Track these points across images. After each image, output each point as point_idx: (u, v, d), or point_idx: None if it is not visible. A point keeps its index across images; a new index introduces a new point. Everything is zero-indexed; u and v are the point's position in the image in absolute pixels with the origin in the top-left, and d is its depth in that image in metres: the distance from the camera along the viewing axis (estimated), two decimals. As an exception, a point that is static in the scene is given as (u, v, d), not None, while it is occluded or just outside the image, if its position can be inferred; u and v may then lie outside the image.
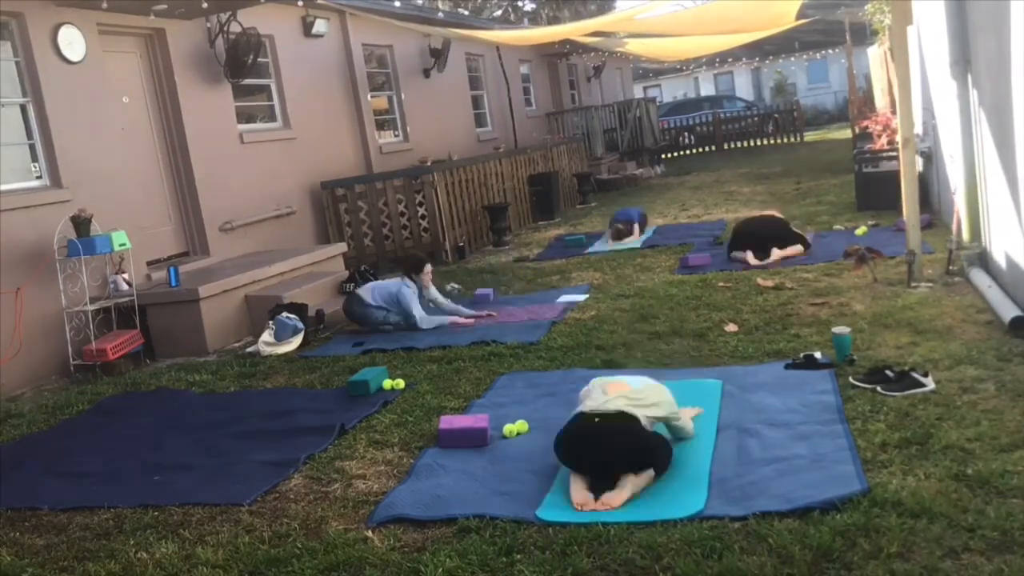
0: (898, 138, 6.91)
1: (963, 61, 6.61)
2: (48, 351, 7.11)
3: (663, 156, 23.31)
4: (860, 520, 3.11)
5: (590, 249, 10.35)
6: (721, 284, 7.41)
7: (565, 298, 7.61)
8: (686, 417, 4.15)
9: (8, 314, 6.84)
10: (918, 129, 9.54)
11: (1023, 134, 4.94)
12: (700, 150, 26.01)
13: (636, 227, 10.64)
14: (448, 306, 7.53)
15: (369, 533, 3.56)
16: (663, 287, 7.54)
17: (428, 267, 7.58)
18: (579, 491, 3.67)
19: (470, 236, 11.55)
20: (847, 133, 22.84)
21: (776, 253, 8.15)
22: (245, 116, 10.17)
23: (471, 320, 7.28)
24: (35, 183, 7.44)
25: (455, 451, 4.32)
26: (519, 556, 3.21)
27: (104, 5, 7.68)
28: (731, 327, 6.02)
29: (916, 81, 9.07)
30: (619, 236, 10.50)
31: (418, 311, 7.24)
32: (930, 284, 6.44)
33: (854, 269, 7.03)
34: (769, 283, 7.18)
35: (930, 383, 4.34)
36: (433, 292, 7.58)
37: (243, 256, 9.32)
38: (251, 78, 9.88)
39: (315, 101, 11.26)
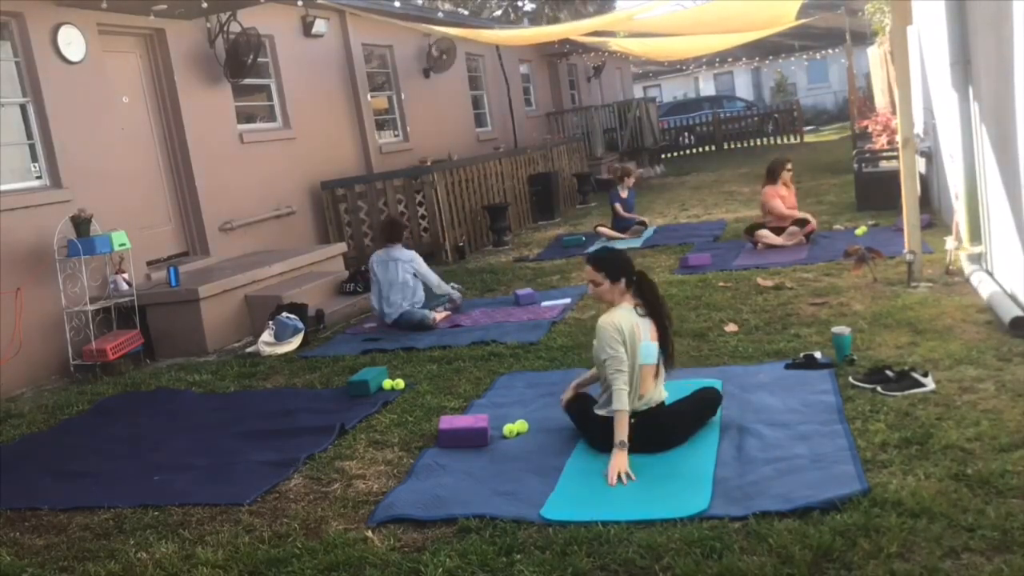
0: (898, 138, 6.91)
1: (963, 61, 6.61)
2: (48, 351, 7.11)
3: (663, 156, 23.31)
4: (860, 520, 3.11)
5: (590, 249, 10.34)
6: (721, 284, 7.41)
7: (548, 303, 7.55)
8: None
9: (8, 314, 6.84)
10: (918, 129, 9.54)
11: None
12: (700, 150, 26.03)
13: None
14: (441, 287, 7.70)
15: (369, 533, 3.56)
16: (663, 287, 7.50)
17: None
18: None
19: (470, 236, 11.56)
20: (839, 135, 22.93)
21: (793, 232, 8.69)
22: (245, 116, 10.18)
23: (444, 316, 7.42)
24: (35, 183, 7.44)
25: (455, 451, 4.32)
26: (519, 556, 3.21)
27: (104, 5, 7.68)
28: (731, 327, 6.02)
29: (916, 81, 9.07)
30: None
31: (439, 283, 7.48)
32: (930, 284, 6.44)
33: (854, 269, 7.03)
34: (769, 283, 7.18)
35: (930, 383, 4.34)
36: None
37: (243, 256, 9.32)
38: (251, 78, 9.88)
39: (315, 101, 11.26)
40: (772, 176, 9.14)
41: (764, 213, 9.18)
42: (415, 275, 7.42)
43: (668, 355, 4.15)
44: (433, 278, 7.55)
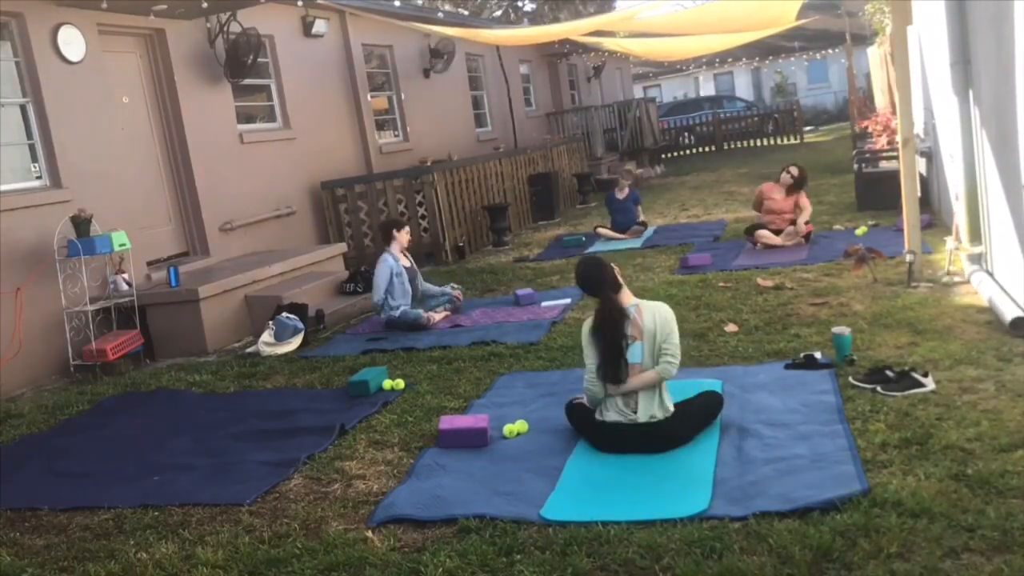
0: (898, 138, 6.91)
1: (963, 62, 6.61)
2: (48, 351, 7.11)
3: (663, 156, 23.31)
4: (860, 520, 3.11)
5: (590, 249, 10.36)
6: (721, 284, 7.41)
7: (548, 303, 7.55)
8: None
9: (8, 314, 6.84)
10: (918, 129, 9.54)
11: None
12: (700, 150, 26.01)
13: (639, 209, 11.18)
14: (433, 290, 7.71)
15: (369, 533, 3.56)
16: (663, 287, 7.54)
17: (404, 230, 7.71)
18: None
19: (470, 236, 11.55)
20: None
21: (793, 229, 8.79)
22: (245, 116, 10.17)
23: (438, 318, 7.36)
24: (35, 183, 7.44)
25: (455, 451, 4.32)
26: (519, 556, 3.21)
27: (104, 5, 7.68)
28: (731, 327, 6.02)
29: (916, 81, 9.07)
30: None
31: (379, 293, 7.32)
32: (930, 284, 6.45)
33: (854, 269, 7.03)
34: (769, 283, 7.18)
35: (930, 383, 4.34)
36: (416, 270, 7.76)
37: (243, 256, 9.32)
38: (251, 78, 9.88)
39: (315, 101, 11.26)
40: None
41: (756, 210, 9.23)
42: (396, 278, 7.42)
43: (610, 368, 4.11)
44: (377, 287, 7.39)
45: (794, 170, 8.99)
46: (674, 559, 3.04)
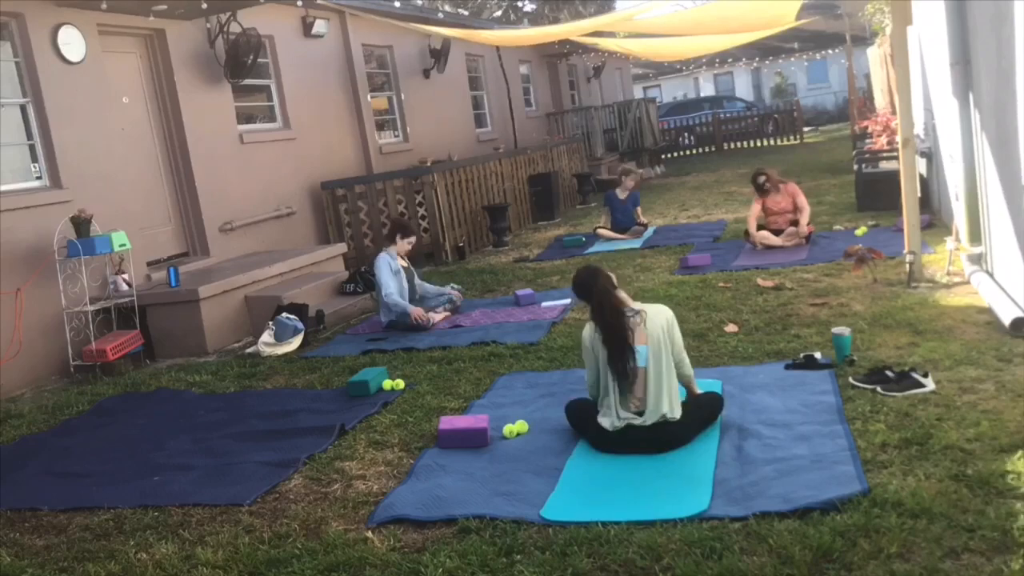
0: (898, 138, 6.91)
1: (963, 62, 6.61)
2: (48, 351, 7.11)
3: (663, 156, 23.31)
4: (860, 520, 3.11)
5: (590, 249, 10.36)
6: (721, 284, 7.41)
7: (548, 303, 7.54)
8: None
9: (8, 314, 6.84)
10: (918, 129, 9.54)
11: None
12: (700, 150, 26.02)
13: (638, 210, 11.14)
14: (431, 290, 7.67)
15: (369, 533, 3.56)
16: (663, 287, 7.54)
17: (407, 240, 7.68)
18: None
19: (470, 236, 11.56)
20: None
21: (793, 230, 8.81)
22: (245, 116, 10.18)
23: (438, 318, 7.34)
24: (35, 183, 7.44)
25: (455, 451, 4.32)
26: (519, 556, 3.21)
27: (104, 5, 7.69)
28: (731, 327, 6.02)
29: (916, 81, 9.07)
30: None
31: (389, 285, 7.24)
32: (930, 284, 6.44)
33: (854, 269, 7.03)
34: (769, 283, 7.18)
35: (930, 384, 4.34)
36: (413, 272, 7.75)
37: (243, 256, 9.32)
38: (251, 78, 9.88)
39: (315, 101, 11.26)
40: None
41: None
42: (394, 276, 7.39)
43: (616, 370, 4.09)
44: (385, 286, 7.28)
45: (762, 179, 9.02)
46: (674, 559, 3.04)
